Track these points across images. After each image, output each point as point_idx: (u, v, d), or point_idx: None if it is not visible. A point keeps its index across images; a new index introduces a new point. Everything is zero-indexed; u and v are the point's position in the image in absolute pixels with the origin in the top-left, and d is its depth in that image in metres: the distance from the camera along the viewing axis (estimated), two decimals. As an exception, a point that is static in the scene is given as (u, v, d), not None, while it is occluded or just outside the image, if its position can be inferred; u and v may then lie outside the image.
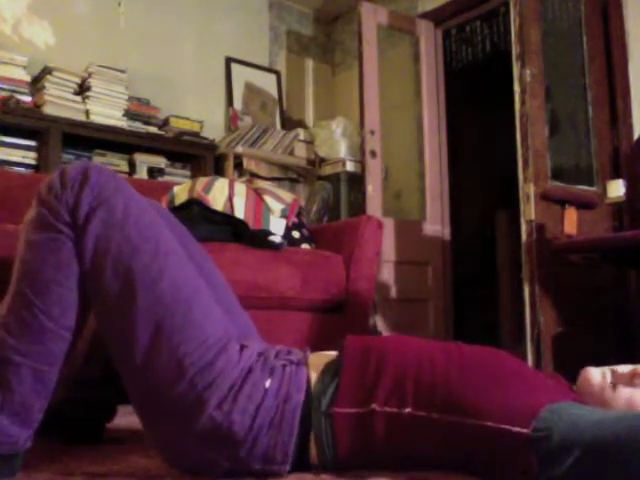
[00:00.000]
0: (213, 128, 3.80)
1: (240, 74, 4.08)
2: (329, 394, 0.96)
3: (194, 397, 0.91)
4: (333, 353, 1.08)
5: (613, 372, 1.00)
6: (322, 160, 3.95)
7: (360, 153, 3.58)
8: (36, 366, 0.94)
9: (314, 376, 1.01)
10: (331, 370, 1.00)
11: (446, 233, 3.83)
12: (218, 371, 0.93)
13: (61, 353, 0.96)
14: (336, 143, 3.89)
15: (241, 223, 2.09)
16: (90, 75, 3.19)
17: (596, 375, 1.01)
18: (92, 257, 0.95)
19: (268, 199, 2.25)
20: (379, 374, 0.96)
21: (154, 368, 0.93)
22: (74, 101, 3.13)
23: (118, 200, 0.97)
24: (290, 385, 0.96)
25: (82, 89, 3.19)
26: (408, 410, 0.93)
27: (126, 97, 3.30)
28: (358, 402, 0.95)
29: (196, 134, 3.57)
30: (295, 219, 2.31)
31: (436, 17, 3.90)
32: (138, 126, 3.35)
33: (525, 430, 0.85)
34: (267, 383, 0.95)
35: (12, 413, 0.93)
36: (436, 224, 3.75)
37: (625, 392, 0.97)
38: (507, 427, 0.86)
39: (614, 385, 0.99)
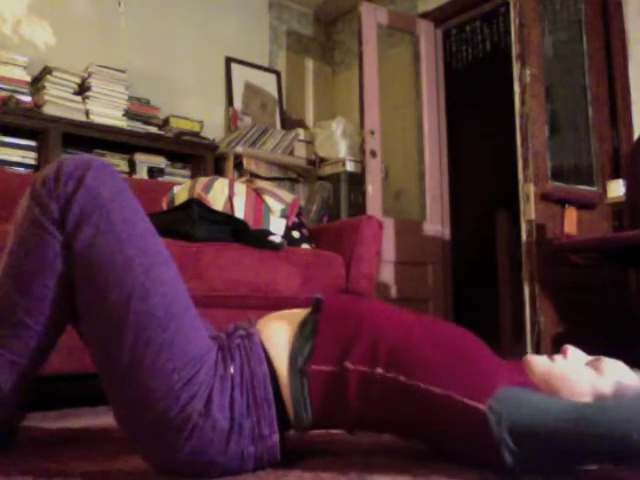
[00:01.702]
0: (213, 128, 3.80)
1: (240, 74, 4.08)
2: (306, 352, 0.98)
3: (178, 410, 0.91)
4: (293, 312, 1.10)
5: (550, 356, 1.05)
6: (322, 160, 3.95)
7: (360, 153, 3.58)
8: (12, 358, 0.95)
9: (277, 337, 1.02)
10: (307, 328, 1.02)
11: (446, 233, 3.83)
12: (200, 382, 0.92)
13: (39, 349, 0.97)
14: (336, 143, 3.89)
15: (241, 223, 2.09)
16: (90, 75, 3.19)
17: (535, 357, 1.07)
18: (82, 264, 0.92)
19: (268, 199, 2.25)
20: (355, 335, 0.98)
21: (140, 382, 0.91)
22: (74, 101, 3.13)
23: (115, 207, 0.93)
24: (250, 362, 0.97)
25: (82, 89, 3.19)
26: (379, 371, 0.95)
27: (126, 97, 3.30)
28: (333, 360, 0.97)
29: (196, 134, 3.57)
30: (295, 219, 2.31)
31: (436, 17, 3.90)
32: (138, 126, 3.35)
33: (480, 406, 0.89)
34: (231, 369, 0.96)
35: None
36: (436, 224, 3.75)
37: (559, 359, 1.03)
38: (468, 401, 0.90)
39: (551, 356, 1.04)
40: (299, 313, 1.08)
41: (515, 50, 2.69)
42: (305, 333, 1.01)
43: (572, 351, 1.05)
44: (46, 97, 3.03)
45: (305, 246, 2.26)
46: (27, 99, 3.01)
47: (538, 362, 1.04)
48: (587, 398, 0.98)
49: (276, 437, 0.95)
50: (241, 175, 3.52)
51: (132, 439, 0.98)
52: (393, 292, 3.45)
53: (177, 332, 0.92)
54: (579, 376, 1.00)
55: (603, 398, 0.97)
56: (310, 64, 4.54)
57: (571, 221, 2.50)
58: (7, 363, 0.95)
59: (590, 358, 1.04)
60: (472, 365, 0.96)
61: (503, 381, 0.94)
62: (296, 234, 2.26)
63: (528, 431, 0.86)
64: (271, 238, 2.08)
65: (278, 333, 1.03)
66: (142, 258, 0.93)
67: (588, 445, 0.84)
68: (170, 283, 0.96)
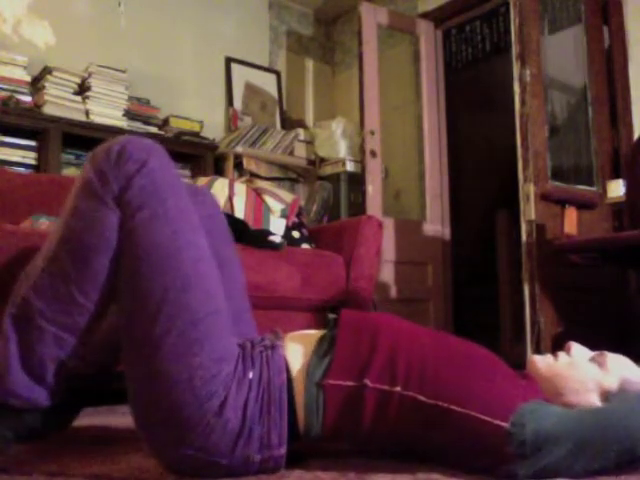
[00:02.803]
0: (213, 128, 3.80)
1: (240, 74, 4.08)
2: (323, 366, 0.98)
3: (197, 406, 0.91)
4: (313, 332, 1.10)
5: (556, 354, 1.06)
6: (322, 160, 3.95)
7: (360, 153, 3.58)
8: (60, 334, 0.95)
9: (297, 351, 1.02)
10: (325, 344, 1.02)
11: (446, 233, 3.83)
12: (220, 382, 0.93)
13: (86, 326, 0.96)
14: (336, 143, 3.89)
15: (241, 223, 2.09)
16: (90, 75, 3.19)
17: (539, 357, 1.08)
18: (134, 245, 0.92)
19: (268, 199, 2.25)
20: (373, 351, 0.98)
21: (165, 374, 0.91)
22: (74, 101, 3.13)
23: (173, 195, 0.95)
24: (270, 370, 0.97)
25: (82, 89, 3.19)
26: (397, 389, 0.95)
27: (126, 97, 3.30)
28: (351, 376, 0.97)
29: (196, 134, 3.57)
30: (295, 219, 2.31)
31: (436, 17, 3.90)
32: (138, 126, 3.35)
33: (504, 424, 0.89)
34: (250, 374, 0.96)
35: (30, 371, 0.95)
36: (436, 224, 3.75)
37: (563, 356, 1.04)
38: (489, 419, 0.90)
39: (555, 354, 1.05)
40: (320, 332, 1.09)
41: (515, 50, 2.69)
42: (323, 348, 1.02)
43: (576, 348, 1.06)
44: (46, 97, 3.03)
45: (305, 246, 2.26)
46: (27, 99, 3.01)
47: (542, 361, 1.05)
48: (593, 394, 1.00)
49: (284, 450, 0.95)
50: (241, 175, 3.52)
51: (142, 429, 0.97)
52: (393, 292, 3.45)
53: (210, 329, 0.93)
54: (584, 372, 1.02)
55: (608, 394, 0.99)
56: (310, 64, 4.54)
57: (571, 221, 2.50)
58: (54, 338, 0.95)
59: (593, 354, 1.05)
60: (489, 381, 0.96)
61: (520, 396, 0.94)
62: (296, 234, 2.26)
63: (552, 443, 0.88)
64: (271, 238, 2.08)
65: (299, 347, 1.04)
66: (191, 251, 0.94)
67: (609, 450, 0.88)
68: (212, 281, 0.97)
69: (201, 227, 1.00)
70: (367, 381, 0.95)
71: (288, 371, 0.99)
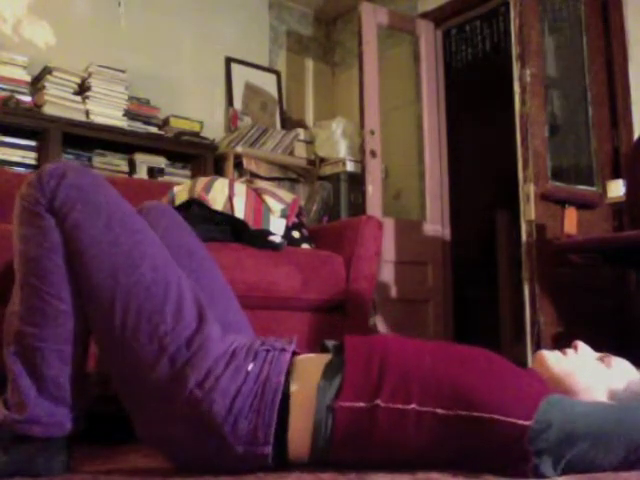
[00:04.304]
0: (213, 128, 3.80)
1: (240, 74, 4.08)
2: (333, 389, 0.98)
3: (175, 374, 0.95)
4: (320, 356, 1.09)
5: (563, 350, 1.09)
6: (322, 160, 3.94)
7: (360, 153, 3.58)
8: (58, 347, 0.98)
9: (305, 371, 1.03)
10: (334, 367, 1.02)
11: (446, 233, 3.83)
12: (196, 347, 0.96)
13: (79, 330, 1.00)
14: (336, 143, 3.89)
15: (241, 223, 2.09)
16: (90, 75, 3.19)
17: (547, 352, 1.10)
18: (75, 244, 0.98)
19: (268, 199, 2.25)
20: (383, 371, 0.98)
21: (136, 350, 0.96)
22: (74, 101, 3.13)
23: (96, 192, 1.01)
24: (270, 369, 0.99)
25: (82, 89, 3.19)
26: (413, 406, 0.94)
27: (126, 97, 3.30)
28: (362, 397, 0.97)
29: (196, 134, 3.57)
30: (295, 219, 2.31)
31: (436, 17, 3.90)
32: (138, 126, 3.35)
33: (528, 422, 0.90)
34: (249, 367, 0.98)
35: (50, 396, 0.98)
36: (436, 224, 3.75)
37: (571, 354, 1.07)
38: (512, 420, 0.90)
39: (564, 350, 1.08)
40: (326, 356, 1.08)
41: (515, 50, 2.69)
42: (332, 371, 1.01)
43: (583, 347, 1.08)
44: (46, 97, 3.03)
45: (305, 246, 2.26)
46: (27, 99, 3.01)
47: (551, 357, 1.06)
48: (600, 392, 1.02)
49: (268, 449, 0.95)
50: (241, 175, 3.52)
51: (134, 414, 1.01)
52: (393, 292, 3.45)
53: (165, 297, 0.98)
54: (592, 370, 1.04)
55: (615, 392, 1.02)
56: (310, 64, 4.54)
57: (571, 221, 2.50)
58: (54, 353, 0.98)
59: (599, 355, 1.07)
60: (505, 382, 0.97)
61: (538, 392, 0.95)
62: (296, 234, 2.26)
63: (577, 437, 0.90)
64: (271, 238, 2.08)
65: (306, 368, 1.04)
66: (127, 236, 1.00)
67: (632, 445, 0.91)
68: (157, 255, 1.02)
69: (134, 211, 1.07)
70: (379, 401, 0.95)
71: (287, 381, 0.99)
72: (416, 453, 0.97)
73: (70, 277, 0.99)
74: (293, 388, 0.99)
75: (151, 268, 0.99)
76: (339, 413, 0.95)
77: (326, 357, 1.06)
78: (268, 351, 1.02)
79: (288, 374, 1.00)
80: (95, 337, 1.02)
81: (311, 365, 1.05)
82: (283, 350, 1.03)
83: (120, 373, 1.01)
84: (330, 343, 1.11)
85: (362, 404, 0.96)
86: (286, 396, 0.98)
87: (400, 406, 0.95)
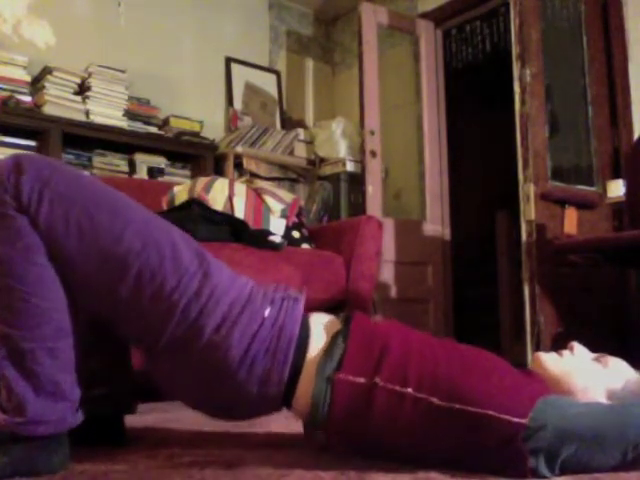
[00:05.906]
0: (213, 128, 3.80)
1: (240, 74, 4.08)
2: (335, 360, 1.00)
3: (190, 324, 0.96)
4: (333, 317, 1.12)
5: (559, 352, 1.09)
6: (322, 160, 3.94)
7: (360, 153, 3.58)
8: (47, 345, 0.97)
9: (319, 328, 1.05)
10: (338, 338, 1.03)
11: (446, 233, 3.83)
12: (207, 297, 0.97)
13: (66, 325, 0.99)
14: (336, 143, 3.89)
15: (241, 223, 2.09)
16: (90, 75, 3.19)
17: (544, 354, 1.10)
18: (53, 236, 0.96)
19: (268, 199, 2.25)
20: (385, 352, 0.99)
21: (147, 315, 0.97)
22: (74, 101, 3.13)
23: (59, 177, 0.98)
24: (286, 317, 1.01)
25: (82, 89, 3.19)
26: (409, 390, 0.95)
27: (126, 97, 3.30)
28: (362, 373, 0.98)
29: (196, 134, 3.57)
30: (295, 219, 2.31)
31: (436, 17, 3.90)
32: (138, 126, 3.35)
33: (523, 420, 0.90)
34: (266, 312, 1.00)
35: (48, 394, 0.97)
36: (436, 224, 3.75)
37: (568, 355, 1.07)
38: (507, 417, 0.90)
39: (560, 352, 1.08)
40: (338, 322, 1.10)
41: (515, 50, 2.69)
42: (336, 340, 1.03)
43: (579, 348, 1.08)
44: (46, 97, 3.03)
45: (305, 246, 2.26)
46: (27, 99, 3.01)
47: (548, 358, 1.07)
48: (599, 392, 1.02)
49: (281, 389, 0.98)
50: (241, 175, 3.52)
51: (153, 364, 1.04)
52: (393, 292, 3.45)
53: (159, 254, 0.97)
54: (589, 370, 1.04)
55: (613, 392, 1.02)
56: (310, 64, 4.54)
57: (571, 221, 2.51)
58: (44, 351, 0.97)
59: (595, 355, 1.07)
60: (503, 381, 0.97)
61: (536, 391, 0.96)
62: (296, 234, 2.26)
63: (572, 437, 0.90)
64: (271, 238, 2.08)
65: (321, 328, 1.06)
66: (105, 206, 0.98)
67: (628, 446, 0.90)
68: (138, 216, 1.01)
69: (104, 184, 1.04)
70: (378, 379, 0.96)
71: (303, 328, 1.02)
72: (410, 441, 0.98)
73: (51, 273, 0.97)
74: (309, 345, 1.02)
75: (135, 234, 0.97)
76: (338, 385, 0.97)
77: (336, 325, 1.08)
78: (283, 299, 1.04)
79: (302, 326, 1.02)
80: (101, 315, 1.02)
81: (327, 326, 1.07)
82: (297, 300, 1.06)
83: (136, 333, 1.02)
84: (341, 315, 1.12)
85: (361, 380, 0.97)
86: (300, 347, 1.00)
87: (398, 388, 0.96)
